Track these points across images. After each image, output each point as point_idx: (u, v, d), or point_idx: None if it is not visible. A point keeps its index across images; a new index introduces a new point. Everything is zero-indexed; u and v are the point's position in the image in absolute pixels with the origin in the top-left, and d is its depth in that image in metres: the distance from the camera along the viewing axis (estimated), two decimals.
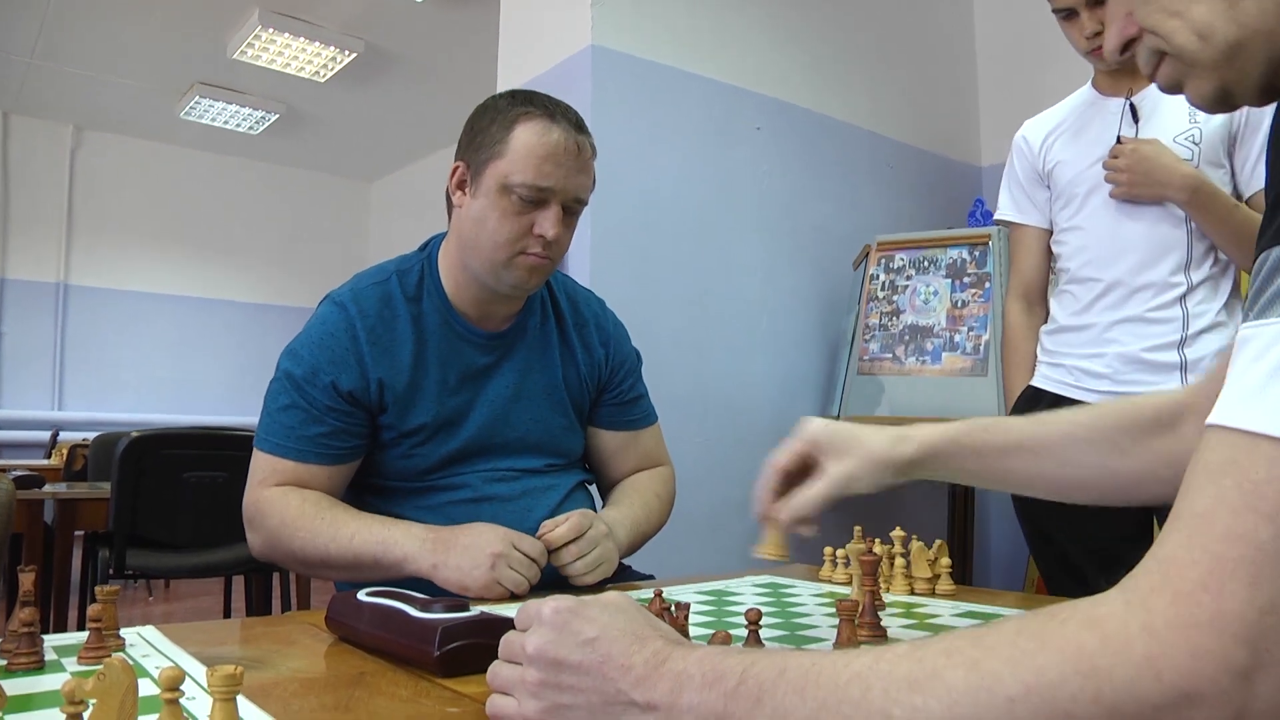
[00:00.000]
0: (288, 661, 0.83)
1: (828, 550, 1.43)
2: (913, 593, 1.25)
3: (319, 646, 0.90)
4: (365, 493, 1.36)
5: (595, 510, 1.52)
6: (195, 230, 8.06)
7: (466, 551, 1.15)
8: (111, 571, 2.85)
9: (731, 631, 0.88)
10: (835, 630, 0.85)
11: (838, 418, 2.77)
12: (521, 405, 1.36)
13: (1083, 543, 1.73)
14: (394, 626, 0.83)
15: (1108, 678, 0.45)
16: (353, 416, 1.28)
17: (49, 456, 5.85)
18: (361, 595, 0.91)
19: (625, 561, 1.66)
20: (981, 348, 2.51)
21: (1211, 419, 0.49)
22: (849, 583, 1.34)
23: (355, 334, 1.27)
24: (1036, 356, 1.81)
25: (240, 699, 0.70)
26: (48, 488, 3.22)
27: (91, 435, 4.50)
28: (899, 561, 1.29)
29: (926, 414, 2.54)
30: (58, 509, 3.01)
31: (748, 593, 1.26)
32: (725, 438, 2.71)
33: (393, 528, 1.21)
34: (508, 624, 0.82)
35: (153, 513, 2.88)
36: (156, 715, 0.56)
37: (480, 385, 1.33)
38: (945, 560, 1.27)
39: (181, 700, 0.62)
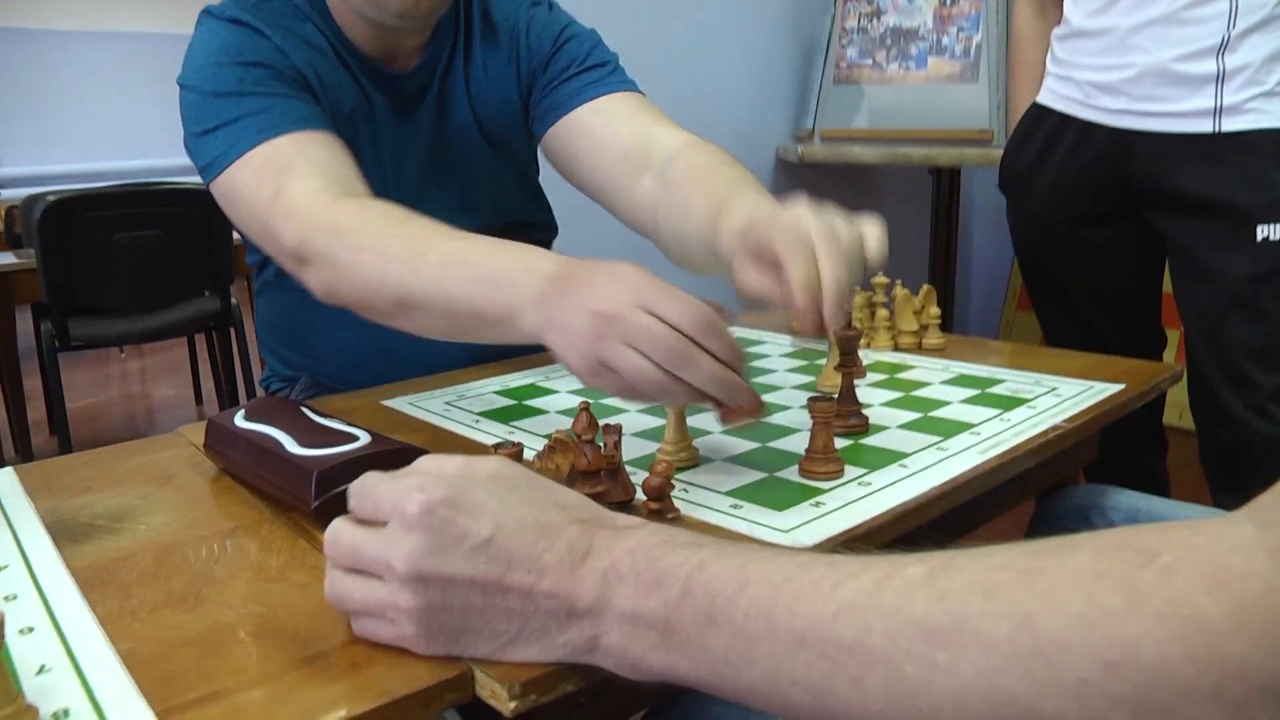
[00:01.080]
0: (152, 515, 0.69)
1: None
2: (897, 348, 1.12)
3: (198, 485, 0.75)
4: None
5: None
6: None
7: (577, 305, 0.66)
8: (57, 345, 2.71)
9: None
10: (807, 414, 0.71)
11: (813, 131, 2.55)
12: (436, 160, 1.14)
13: (1089, 289, 1.56)
14: (270, 464, 0.69)
15: (1240, 672, 0.30)
16: (287, 82, 0.98)
17: None
18: (239, 419, 0.76)
19: None
20: (972, 50, 2.24)
21: None
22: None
23: (263, 32, 0.99)
24: (1046, 67, 1.55)
25: (70, 589, 0.57)
26: None
27: (36, 192, 4.23)
28: (881, 313, 1.14)
29: (911, 125, 2.31)
30: None
31: None
32: None
33: (508, 256, 0.76)
34: (403, 456, 0.68)
35: (88, 280, 2.70)
36: None
37: (379, 133, 1.10)
38: (934, 310, 1.13)
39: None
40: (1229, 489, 1.41)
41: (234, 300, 3.02)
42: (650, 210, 1.01)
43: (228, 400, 3.26)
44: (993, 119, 2.18)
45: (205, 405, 3.99)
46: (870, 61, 2.39)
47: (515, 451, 0.59)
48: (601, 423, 0.62)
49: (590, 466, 0.58)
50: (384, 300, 0.81)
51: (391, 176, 1.10)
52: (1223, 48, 1.30)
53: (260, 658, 0.48)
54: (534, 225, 1.27)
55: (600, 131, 1.08)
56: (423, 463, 0.50)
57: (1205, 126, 1.34)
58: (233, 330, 3.08)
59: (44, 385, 2.92)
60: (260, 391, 1.28)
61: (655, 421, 0.85)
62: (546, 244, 1.30)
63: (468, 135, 1.14)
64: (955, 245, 2.70)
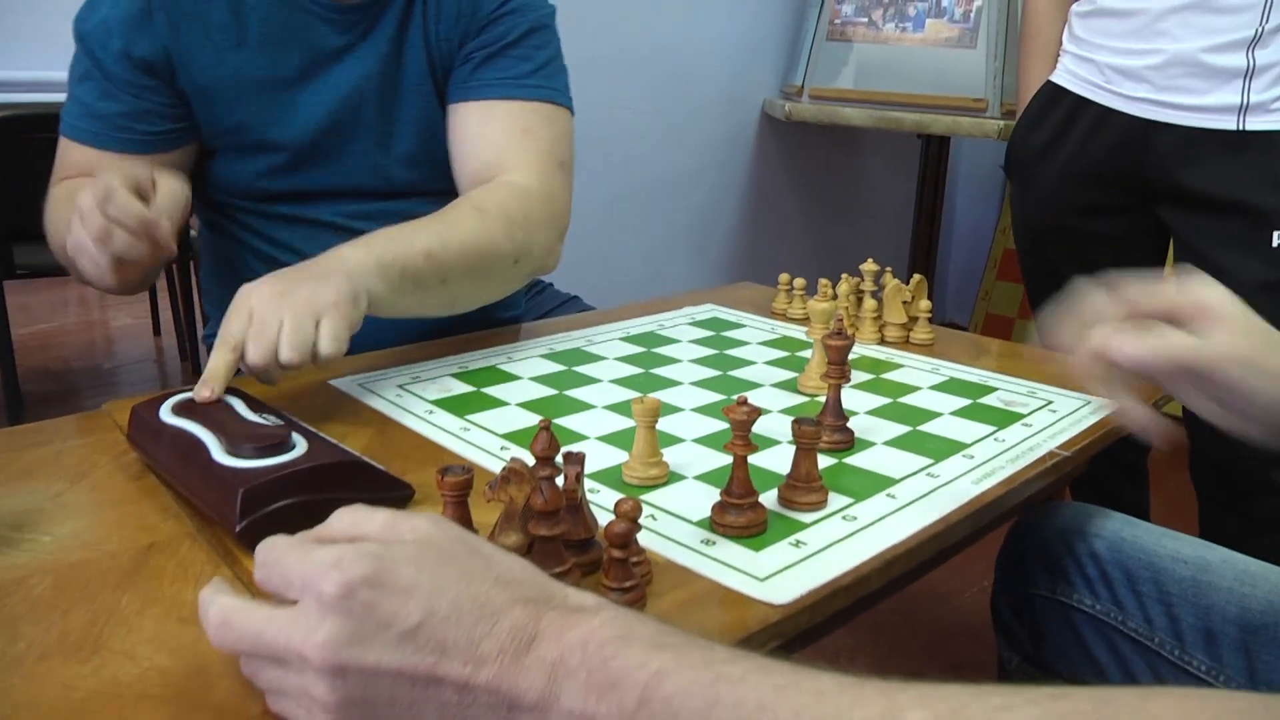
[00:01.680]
0: (60, 523, 0.62)
1: (784, 278, 1.22)
2: (883, 342, 1.06)
3: (117, 483, 0.68)
4: (212, 211, 1.12)
5: None
6: None
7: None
8: (1, 272, 2.59)
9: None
10: (784, 418, 0.65)
11: (801, 88, 2.46)
12: (385, 104, 1.05)
13: (1090, 280, 1.49)
14: (193, 469, 0.62)
15: None
16: (157, 93, 0.98)
17: None
18: (164, 412, 0.69)
19: (548, 279, 1.39)
20: (972, 15, 2.15)
21: None
22: (806, 321, 1.13)
23: (151, 13, 0.94)
24: (1062, 44, 1.46)
25: None
26: None
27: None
28: (869, 303, 1.08)
29: (905, 89, 2.22)
30: None
31: (684, 339, 1.05)
32: (676, 107, 2.41)
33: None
34: (341, 470, 0.62)
35: (35, 206, 2.57)
36: None
37: (325, 72, 1.02)
38: (924, 302, 1.07)
39: None
40: (1217, 499, 1.37)
41: (192, 231, 2.90)
42: None
43: (185, 332, 3.15)
44: (988, 88, 2.10)
45: (163, 336, 3.88)
46: (866, 19, 2.29)
47: (465, 480, 0.53)
48: (563, 449, 0.56)
49: (547, 506, 0.51)
50: (63, 254, 0.88)
51: (307, 115, 1.02)
52: (1254, 41, 1.22)
53: None
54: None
55: (470, 139, 1.04)
56: (340, 520, 0.43)
57: (1229, 123, 1.27)
58: (191, 262, 2.97)
59: None
60: (204, 350, 1.20)
61: (623, 423, 0.79)
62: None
63: (420, 82, 1.06)
64: (940, 212, 2.64)
